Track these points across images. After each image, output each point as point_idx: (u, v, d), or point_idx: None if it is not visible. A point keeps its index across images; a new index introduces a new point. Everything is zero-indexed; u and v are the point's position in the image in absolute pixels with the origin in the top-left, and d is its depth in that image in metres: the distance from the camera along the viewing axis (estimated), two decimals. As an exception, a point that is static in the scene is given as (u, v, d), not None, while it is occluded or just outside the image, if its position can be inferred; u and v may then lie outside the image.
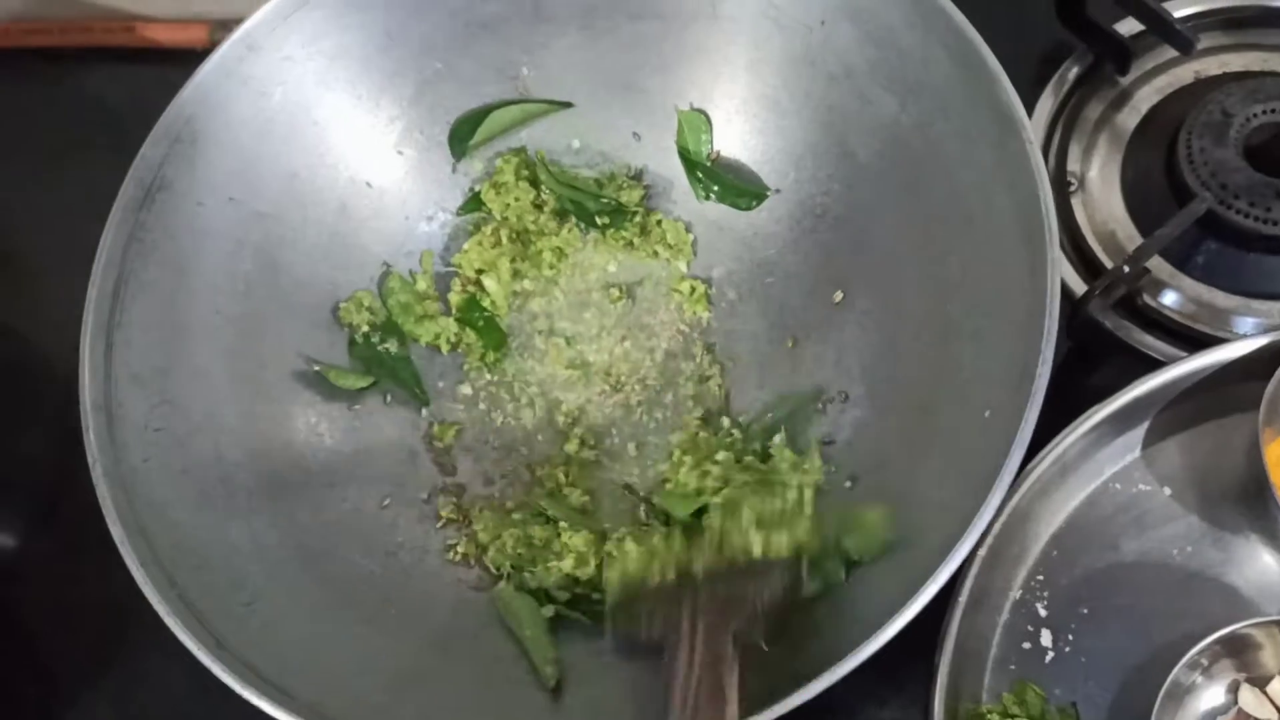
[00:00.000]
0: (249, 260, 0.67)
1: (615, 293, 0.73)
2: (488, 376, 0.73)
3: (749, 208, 0.72)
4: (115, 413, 0.58)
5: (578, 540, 0.64)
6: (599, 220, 0.73)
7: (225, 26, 0.91)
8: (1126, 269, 0.68)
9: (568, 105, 0.73)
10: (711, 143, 0.73)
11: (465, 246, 0.73)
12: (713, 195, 0.73)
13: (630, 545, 0.62)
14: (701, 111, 0.72)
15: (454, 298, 0.73)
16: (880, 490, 0.61)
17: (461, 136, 0.73)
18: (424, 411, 0.71)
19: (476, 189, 0.74)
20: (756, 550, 0.57)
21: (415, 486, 0.69)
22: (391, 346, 0.71)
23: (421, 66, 0.70)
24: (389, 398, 0.71)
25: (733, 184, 0.72)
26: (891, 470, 0.62)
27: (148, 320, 0.62)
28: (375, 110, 0.70)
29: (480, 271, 0.73)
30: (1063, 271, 0.65)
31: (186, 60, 0.91)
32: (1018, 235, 0.56)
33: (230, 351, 0.65)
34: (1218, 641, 0.58)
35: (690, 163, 0.73)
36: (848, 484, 0.64)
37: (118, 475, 0.57)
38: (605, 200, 0.73)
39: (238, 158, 0.66)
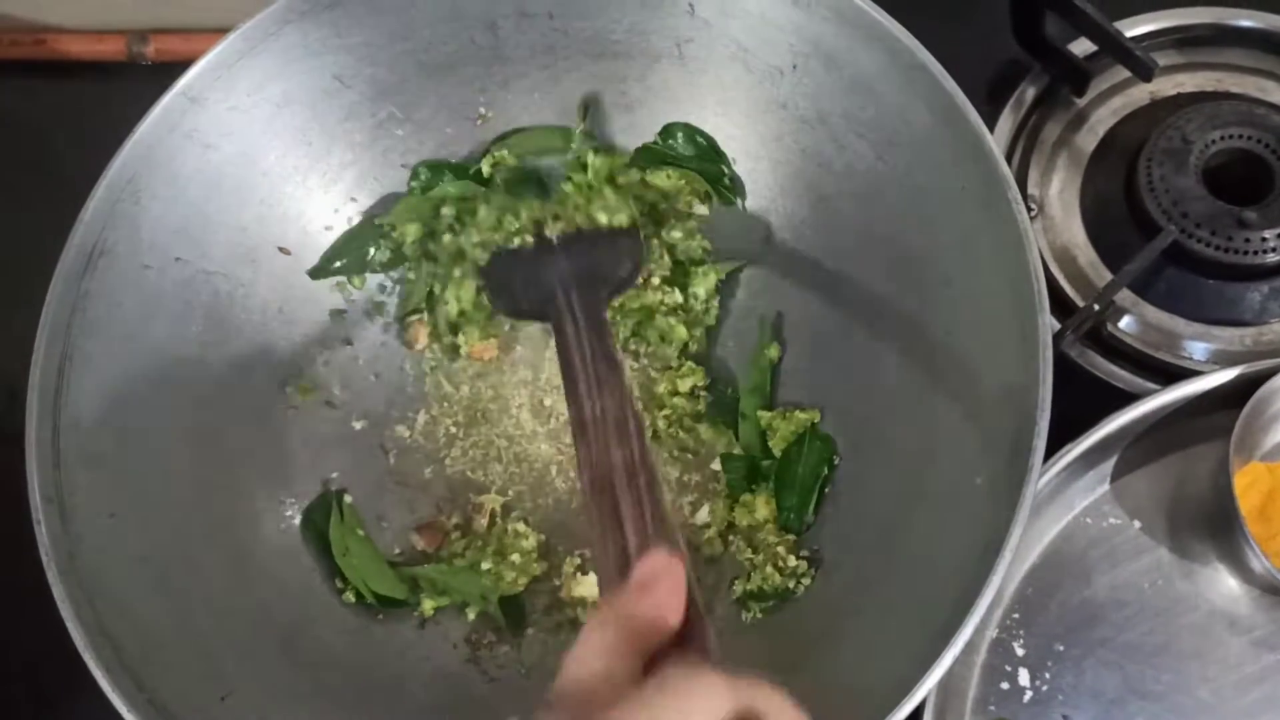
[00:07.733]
0: (199, 322, 0.63)
1: None
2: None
3: None
4: (67, 502, 0.55)
5: None
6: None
7: (143, 38, 0.87)
8: (1096, 307, 0.68)
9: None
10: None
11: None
12: None
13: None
14: None
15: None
16: (869, 562, 0.61)
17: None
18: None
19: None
20: (603, 219, 0.63)
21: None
22: None
23: (374, 110, 0.66)
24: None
25: None
26: (880, 534, 0.61)
27: (96, 396, 0.58)
28: (327, 157, 0.67)
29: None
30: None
31: (103, 74, 0.87)
32: (1005, 301, 0.55)
33: (185, 422, 0.62)
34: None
35: None
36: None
37: (74, 571, 0.54)
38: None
39: (184, 215, 0.62)
